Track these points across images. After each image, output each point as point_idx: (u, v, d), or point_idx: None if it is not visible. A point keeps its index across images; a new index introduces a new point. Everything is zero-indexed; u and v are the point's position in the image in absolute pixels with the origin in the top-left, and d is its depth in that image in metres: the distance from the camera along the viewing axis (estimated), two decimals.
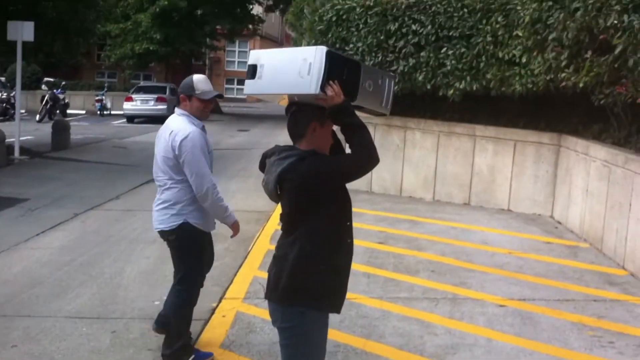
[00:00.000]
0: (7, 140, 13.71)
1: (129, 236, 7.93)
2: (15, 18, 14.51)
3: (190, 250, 4.40)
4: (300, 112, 3.03)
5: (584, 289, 6.14)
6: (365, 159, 2.89)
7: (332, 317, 5.40)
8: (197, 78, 4.40)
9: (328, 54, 2.83)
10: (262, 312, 5.26)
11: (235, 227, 4.48)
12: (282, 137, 9.46)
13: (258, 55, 3.17)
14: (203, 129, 4.38)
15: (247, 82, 3.19)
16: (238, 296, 5.80)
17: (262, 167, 3.10)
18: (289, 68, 2.95)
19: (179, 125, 4.27)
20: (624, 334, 5.07)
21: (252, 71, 3.14)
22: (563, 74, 7.03)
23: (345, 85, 2.87)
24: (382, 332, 5.02)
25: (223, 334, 4.97)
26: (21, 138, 15.06)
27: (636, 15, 5.14)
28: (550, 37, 7.18)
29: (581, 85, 6.77)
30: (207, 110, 4.42)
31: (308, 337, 3.03)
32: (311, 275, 2.95)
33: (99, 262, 6.85)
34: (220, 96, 4.62)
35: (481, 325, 5.20)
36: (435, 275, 6.44)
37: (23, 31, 14.04)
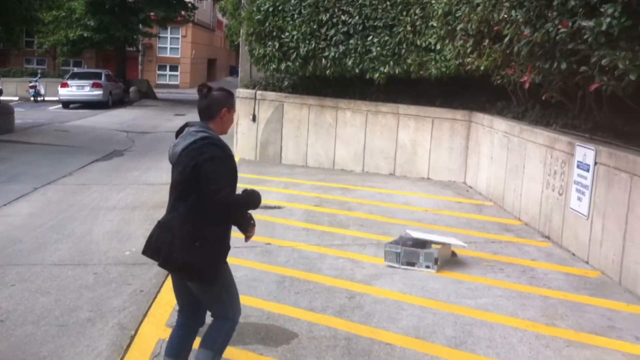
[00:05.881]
0: None
1: (89, 205, 8.75)
2: None
3: None
4: (213, 97, 3.38)
5: (485, 234, 7.45)
6: (223, 207, 3.27)
7: (278, 258, 6.69)
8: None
9: None
10: None
11: None
12: None
13: None
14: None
15: None
16: None
17: (179, 133, 3.43)
18: None
19: None
20: (512, 263, 6.37)
21: None
22: (468, 59, 8.30)
23: None
24: (320, 267, 6.14)
25: None
26: None
27: (520, 11, 6.36)
28: (458, 28, 8.43)
29: (482, 68, 8.06)
30: None
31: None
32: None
33: (67, 225, 7.68)
34: None
35: None
36: (364, 228, 7.61)
37: None
